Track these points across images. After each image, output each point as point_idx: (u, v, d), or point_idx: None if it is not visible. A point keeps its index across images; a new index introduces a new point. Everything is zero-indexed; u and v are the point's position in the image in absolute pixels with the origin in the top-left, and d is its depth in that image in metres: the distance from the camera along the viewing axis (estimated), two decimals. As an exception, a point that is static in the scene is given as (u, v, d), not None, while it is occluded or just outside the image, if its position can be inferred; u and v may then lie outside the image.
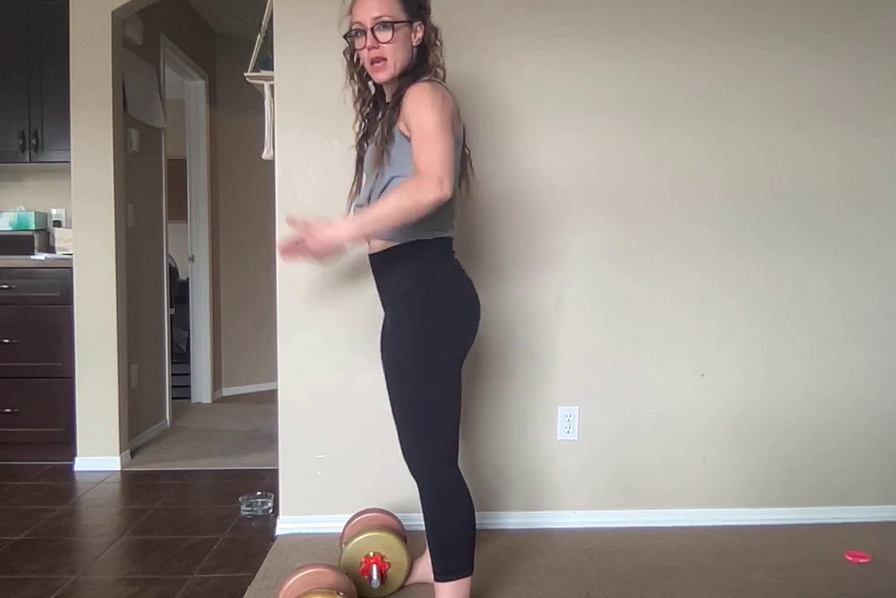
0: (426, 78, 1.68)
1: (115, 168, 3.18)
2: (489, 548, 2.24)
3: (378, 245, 1.74)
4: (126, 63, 3.34)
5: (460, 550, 1.71)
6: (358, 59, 1.75)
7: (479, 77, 2.37)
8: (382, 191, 1.69)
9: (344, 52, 1.79)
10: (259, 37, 2.47)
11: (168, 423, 3.98)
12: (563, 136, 2.39)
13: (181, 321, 4.77)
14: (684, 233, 2.43)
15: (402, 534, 2.07)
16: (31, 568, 2.13)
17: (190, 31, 4.38)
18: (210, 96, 4.64)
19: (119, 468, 3.16)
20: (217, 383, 4.78)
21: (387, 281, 1.77)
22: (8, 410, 3.19)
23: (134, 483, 3.00)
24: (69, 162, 3.16)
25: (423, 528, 1.74)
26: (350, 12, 1.71)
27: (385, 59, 1.66)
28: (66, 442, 3.19)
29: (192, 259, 4.62)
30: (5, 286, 3.20)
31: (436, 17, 2.38)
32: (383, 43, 1.64)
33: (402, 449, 1.73)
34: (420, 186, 1.53)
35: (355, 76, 1.79)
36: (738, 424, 2.48)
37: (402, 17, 1.65)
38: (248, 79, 2.46)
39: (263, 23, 2.45)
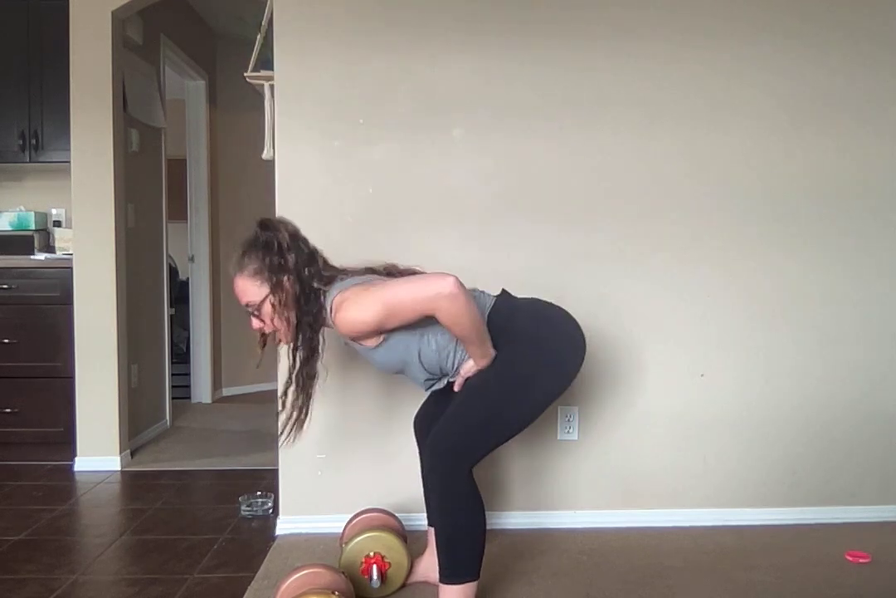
0: (333, 297, 1.68)
1: (115, 168, 3.18)
2: (489, 548, 2.20)
3: None
4: (126, 63, 3.34)
5: (469, 554, 1.71)
6: None
7: (478, 77, 2.37)
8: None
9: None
10: (259, 37, 2.47)
11: (168, 423, 3.98)
12: (563, 136, 2.39)
13: (181, 321, 4.76)
14: (684, 233, 2.43)
15: (403, 534, 2.07)
16: (31, 568, 2.13)
17: (190, 31, 4.38)
18: (210, 96, 4.64)
19: (119, 468, 3.16)
20: (217, 383, 4.78)
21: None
22: (8, 410, 3.18)
23: (134, 483, 3.00)
24: (69, 162, 3.15)
25: (423, 528, 1.74)
26: None
27: (277, 331, 1.72)
28: (66, 442, 3.18)
29: (192, 259, 4.62)
30: (5, 286, 3.20)
31: (436, 18, 2.39)
32: (263, 323, 1.72)
33: (440, 429, 1.72)
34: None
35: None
36: (738, 424, 2.48)
37: (263, 292, 1.68)
38: (248, 79, 2.46)
39: (263, 23, 2.46)
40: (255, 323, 1.74)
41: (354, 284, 1.69)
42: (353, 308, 1.62)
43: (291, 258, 1.69)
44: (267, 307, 1.69)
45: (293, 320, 1.69)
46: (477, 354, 1.68)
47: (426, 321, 1.65)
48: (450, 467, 1.68)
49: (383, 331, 1.67)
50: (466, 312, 1.58)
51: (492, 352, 1.70)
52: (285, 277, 1.68)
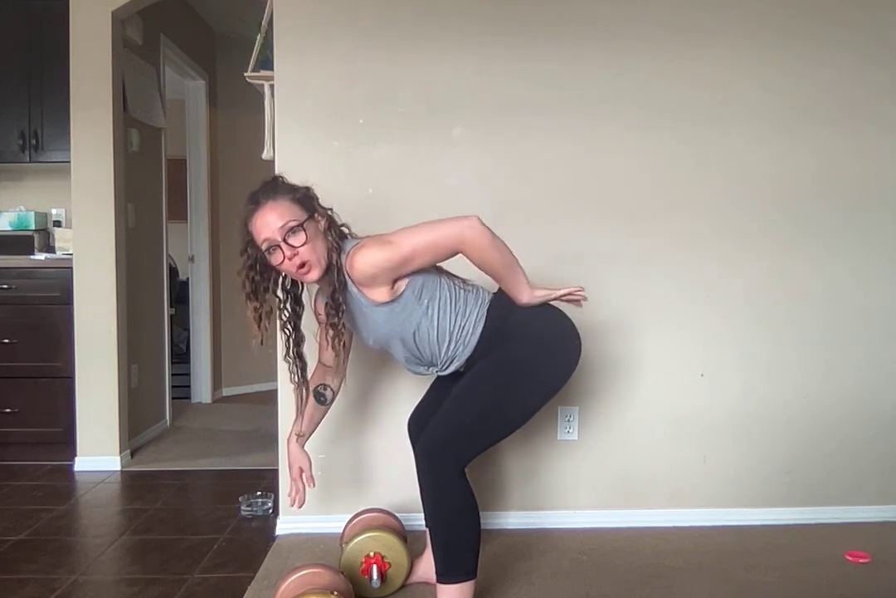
0: (348, 249, 1.70)
1: (115, 168, 3.18)
2: (489, 548, 2.24)
3: None
4: (126, 63, 3.34)
5: (465, 552, 1.71)
6: (263, 276, 1.80)
7: (479, 76, 2.37)
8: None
9: (237, 272, 1.84)
10: (259, 37, 2.47)
11: (168, 423, 3.98)
12: (564, 135, 2.39)
13: (181, 321, 4.76)
14: (684, 233, 2.43)
15: (403, 534, 2.07)
16: (31, 568, 2.13)
17: (190, 31, 4.38)
18: (210, 96, 4.64)
19: (119, 468, 3.16)
20: (217, 383, 4.78)
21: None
22: (8, 410, 3.18)
23: (134, 483, 3.00)
24: (69, 162, 3.15)
25: (423, 528, 1.74)
26: (251, 234, 1.75)
27: (308, 261, 1.67)
28: (66, 442, 3.19)
29: (192, 259, 4.61)
30: (5, 286, 3.19)
31: (436, 17, 2.40)
32: (299, 247, 1.65)
33: (433, 428, 1.71)
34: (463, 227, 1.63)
35: (271, 288, 1.83)
36: (739, 423, 2.48)
37: (304, 215, 1.68)
38: (248, 79, 2.46)
39: (263, 23, 2.46)
40: (280, 255, 1.66)
41: (368, 238, 1.73)
42: (376, 247, 1.65)
43: (318, 199, 1.76)
44: (311, 228, 1.68)
45: (329, 246, 1.70)
46: (514, 288, 1.70)
47: (435, 295, 1.69)
48: (442, 467, 1.68)
49: (401, 275, 1.67)
50: (491, 245, 1.63)
51: (529, 289, 1.71)
52: (316, 213, 1.73)
